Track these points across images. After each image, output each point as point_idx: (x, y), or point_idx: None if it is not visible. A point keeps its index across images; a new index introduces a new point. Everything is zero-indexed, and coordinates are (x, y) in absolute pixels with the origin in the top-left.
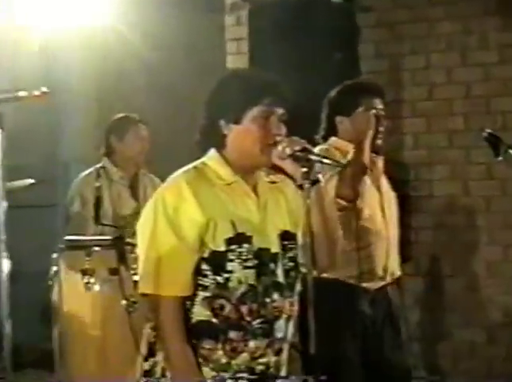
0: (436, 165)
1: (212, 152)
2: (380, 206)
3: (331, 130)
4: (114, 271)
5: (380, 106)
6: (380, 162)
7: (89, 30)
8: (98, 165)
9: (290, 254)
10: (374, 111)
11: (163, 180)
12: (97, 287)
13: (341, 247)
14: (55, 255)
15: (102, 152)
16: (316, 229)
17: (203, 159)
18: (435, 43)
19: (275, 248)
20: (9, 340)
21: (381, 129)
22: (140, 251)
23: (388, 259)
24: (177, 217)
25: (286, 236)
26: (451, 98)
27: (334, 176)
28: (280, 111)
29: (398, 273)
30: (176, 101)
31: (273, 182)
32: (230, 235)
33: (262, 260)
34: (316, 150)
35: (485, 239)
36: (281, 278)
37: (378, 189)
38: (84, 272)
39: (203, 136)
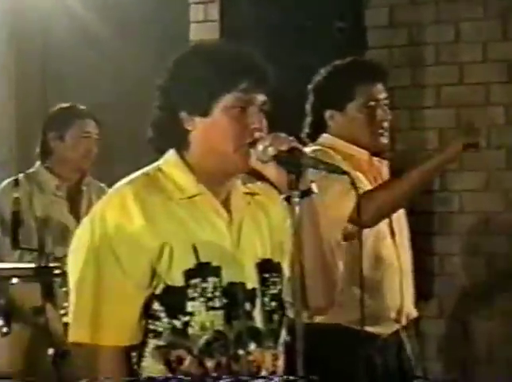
0: (468, 170)
1: (170, 154)
2: (389, 228)
3: (320, 126)
4: (38, 311)
5: (382, 94)
6: (385, 168)
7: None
8: (24, 172)
9: (273, 290)
10: (373, 102)
11: None
12: (15, 331)
13: (342, 282)
14: None
15: (38, 153)
16: (309, 258)
17: (158, 163)
18: (467, 8)
19: (252, 283)
20: None
21: (385, 124)
22: (72, 286)
23: (402, 296)
24: (121, 242)
25: (267, 267)
26: (488, 82)
27: (349, 190)
28: (260, 98)
29: (415, 314)
30: (130, 87)
31: (252, 194)
32: (191, 265)
33: (235, 299)
34: (308, 150)
35: None
36: (259, 322)
37: None
38: None
39: (158, 132)
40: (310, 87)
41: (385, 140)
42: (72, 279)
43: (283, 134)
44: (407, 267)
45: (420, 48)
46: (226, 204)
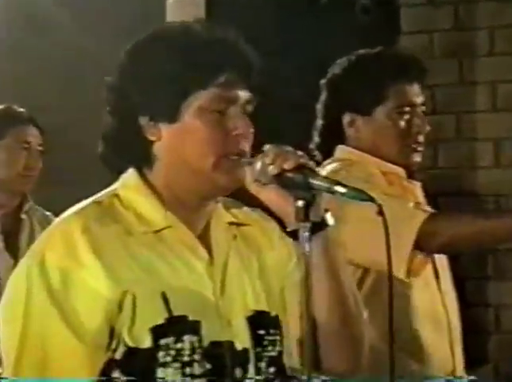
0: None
1: (129, 174)
2: (433, 270)
3: (334, 134)
4: None
5: (419, 98)
6: (419, 192)
7: None
8: None
9: (271, 352)
10: (407, 107)
11: None
12: None
13: (369, 340)
14: None
15: None
16: (325, 310)
17: (115, 187)
18: None
19: (242, 342)
20: None
21: (420, 138)
22: (4, 350)
23: (454, 359)
24: (67, 293)
25: (262, 322)
26: None
27: (376, 222)
28: (244, 96)
29: (465, 380)
30: (86, 86)
31: (239, 224)
32: (161, 320)
33: (220, 363)
34: (326, 168)
35: None
36: None
37: None
38: None
39: (112, 146)
40: (324, 82)
41: (418, 157)
42: (6, 343)
43: (288, 148)
44: (455, 320)
45: (471, 33)
46: (204, 238)
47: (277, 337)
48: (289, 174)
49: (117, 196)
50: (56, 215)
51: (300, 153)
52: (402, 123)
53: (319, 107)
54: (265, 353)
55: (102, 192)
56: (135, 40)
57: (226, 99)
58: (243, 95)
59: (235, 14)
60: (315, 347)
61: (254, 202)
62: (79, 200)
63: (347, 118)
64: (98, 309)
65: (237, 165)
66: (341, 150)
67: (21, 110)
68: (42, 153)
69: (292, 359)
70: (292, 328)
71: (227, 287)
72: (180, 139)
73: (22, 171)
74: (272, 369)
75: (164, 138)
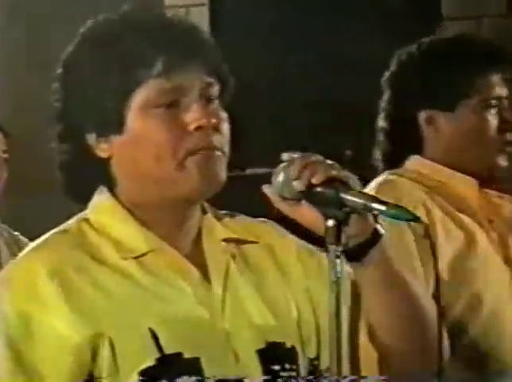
0: None
1: (101, 195)
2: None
3: (407, 139)
4: None
5: (504, 90)
6: (508, 207)
7: None
8: None
9: None
10: (494, 101)
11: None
12: None
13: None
14: None
15: None
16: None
17: (85, 212)
18: None
19: (253, 380)
20: None
21: (508, 136)
22: None
23: None
24: (28, 341)
25: (277, 354)
26: None
27: (420, 242)
28: (198, 80)
29: None
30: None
31: (239, 241)
32: (151, 361)
33: None
34: (372, 185)
35: None
36: None
37: (506, 257)
38: None
39: (71, 176)
40: (386, 78)
41: (504, 161)
42: None
43: (316, 156)
44: None
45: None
46: (195, 257)
47: (293, 373)
48: (319, 189)
49: (87, 220)
50: (24, 233)
51: (330, 162)
52: (490, 119)
53: (382, 107)
54: None
55: (73, 219)
56: (71, 47)
57: (171, 89)
58: (197, 79)
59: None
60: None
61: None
62: (49, 213)
63: (423, 115)
64: (65, 359)
65: (208, 158)
66: (412, 161)
67: None
68: (7, 161)
69: None
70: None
71: (229, 314)
72: (133, 148)
73: None
74: None
75: (115, 152)
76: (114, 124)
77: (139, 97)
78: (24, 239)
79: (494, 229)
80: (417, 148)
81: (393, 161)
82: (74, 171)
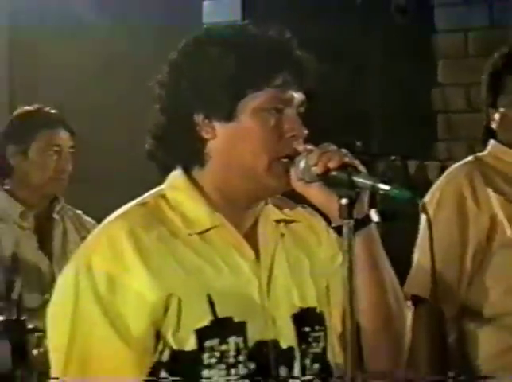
0: None
1: (176, 174)
2: None
3: (489, 132)
4: (7, 378)
5: None
6: None
7: None
8: None
9: (315, 349)
10: None
11: (100, 221)
12: None
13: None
14: None
15: None
16: (367, 308)
17: (162, 188)
18: None
19: (287, 341)
20: None
21: None
22: (52, 348)
23: None
24: (114, 298)
25: (308, 318)
26: None
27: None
28: (299, 97)
29: None
30: (122, 86)
31: (287, 221)
32: (206, 322)
33: (265, 363)
34: (457, 165)
35: None
36: None
37: None
38: None
39: (163, 143)
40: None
41: None
42: (54, 347)
43: (332, 146)
44: None
45: (508, 30)
46: (251, 237)
47: (322, 334)
48: (334, 173)
49: (163, 197)
50: (93, 215)
51: (344, 151)
52: None
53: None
54: (310, 350)
55: (149, 193)
56: (188, 39)
57: (282, 100)
58: (298, 96)
59: (271, 15)
60: (357, 345)
61: (299, 198)
62: (118, 201)
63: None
64: (143, 314)
65: (288, 168)
66: (490, 145)
67: (53, 111)
68: (72, 156)
69: (336, 355)
70: (335, 324)
71: (273, 286)
72: (235, 139)
73: (53, 174)
74: (316, 366)
75: (218, 136)
76: (224, 114)
77: (256, 100)
78: (84, 216)
79: None
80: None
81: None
82: (168, 141)
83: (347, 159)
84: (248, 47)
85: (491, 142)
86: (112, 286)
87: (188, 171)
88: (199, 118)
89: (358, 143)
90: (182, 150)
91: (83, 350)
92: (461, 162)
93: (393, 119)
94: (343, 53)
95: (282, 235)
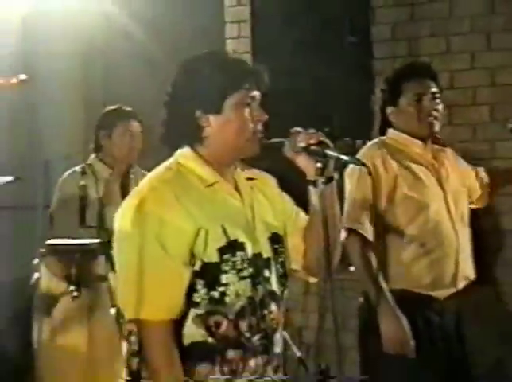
0: None
1: (186, 149)
2: (445, 204)
3: (386, 123)
4: (102, 278)
5: (432, 88)
6: (443, 154)
7: (74, 13)
8: (85, 163)
9: (281, 258)
10: (415, 96)
11: None
12: (83, 295)
13: (411, 253)
14: (36, 261)
15: (92, 148)
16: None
17: (176, 158)
18: (456, 24)
19: (267, 253)
20: None
21: (435, 113)
22: (120, 271)
23: (458, 265)
24: (164, 229)
25: (276, 239)
26: (475, 86)
27: (366, 177)
28: (259, 95)
29: (472, 278)
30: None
31: (251, 179)
32: (223, 243)
33: (257, 268)
34: (369, 144)
35: None
36: (274, 285)
37: (441, 185)
38: (69, 279)
39: (174, 130)
40: (376, 91)
41: (435, 127)
42: (120, 266)
43: (313, 130)
44: (463, 236)
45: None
46: (236, 188)
47: (283, 249)
48: (313, 147)
49: (180, 163)
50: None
51: (320, 133)
52: (414, 110)
53: (376, 107)
54: (279, 259)
55: (167, 162)
56: (189, 58)
57: (250, 97)
58: (258, 95)
59: (269, 52)
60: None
61: (251, 163)
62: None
63: (388, 111)
64: (184, 239)
65: (256, 140)
66: (388, 132)
67: (129, 108)
68: (141, 142)
69: (290, 262)
70: (296, 243)
71: (256, 219)
72: (224, 125)
73: (127, 150)
74: (282, 270)
75: (211, 124)
76: (216, 109)
77: (234, 98)
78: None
79: (434, 169)
80: (389, 125)
81: (383, 133)
82: (178, 128)
83: (321, 138)
84: (228, 64)
85: (390, 130)
86: (162, 222)
87: (192, 148)
88: (199, 113)
89: (327, 129)
90: (188, 134)
91: (142, 271)
92: (372, 142)
93: (348, 114)
94: (317, 75)
95: (251, 187)
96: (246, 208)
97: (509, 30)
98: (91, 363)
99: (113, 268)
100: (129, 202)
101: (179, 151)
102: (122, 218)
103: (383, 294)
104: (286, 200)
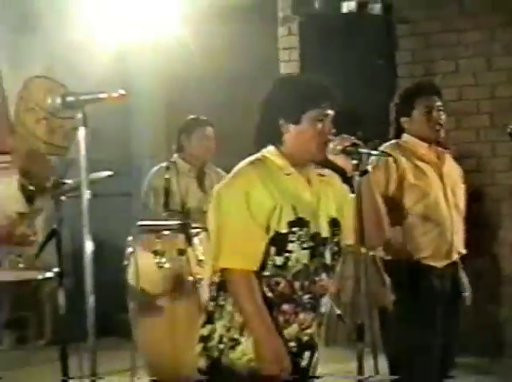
0: (464, 158)
1: (271, 147)
2: (443, 195)
3: (400, 130)
4: (181, 252)
5: (437, 103)
6: (443, 155)
7: (159, 42)
8: (169, 160)
9: (336, 239)
10: (426, 109)
11: (228, 172)
12: (167, 266)
13: (417, 231)
14: (130, 238)
15: (174, 148)
16: (368, 213)
17: (263, 153)
18: (463, 50)
19: (325, 233)
20: (92, 312)
21: (440, 122)
22: (217, 231)
23: (452, 241)
24: (251, 202)
25: (334, 223)
26: (478, 98)
27: (392, 166)
28: (331, 113)
29: (463, 252)
30: (235, 103)
31: (321, 175)
32: (293, 218)
33: (316, 243)
34: (386, 144)
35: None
36: (328, 260)
37: (441, 180)
38: (156, 253)
39: (262, 133)
40: (391, 105)
41: (439, 133)
42: (221, 225)
43: (347, 135)
44: (457, 220)
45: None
46: (308, 181)
47: (339, 231)
48: (348, 148)
49: (265, 157)
50: (227, 172)
51: (352, 137)
52: (426, 119)
53: (391, 117)
54: (334, 239)
55: (257, 155)
56: (280, 77)
57: (324, 115)
58: (331, 113)
59: (313, 73)
60: (362, 234)
61: (327, 165)
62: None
63: (402, 120)
64: (264, 211)
65: (325, 148)
66: (403, 136)
67: (204, 117)
68: (214, 144)
69: (344, 239)
70: (348, 224)
71: (320, 205)
72: (300, 134)
73: (203, 151)
74: (335, 248)
75: (291, 132)
76: (296, 120)
77: (311, 114)
78: (220, 171)
79: (436, 165)
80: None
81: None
82: (265, 133)
83: (355, 141)
84: (308, 85)
85: (404, 134)
86: (249, 197)
87: (275, 147)
88: (282, 121)
89: (359, 133)
90: (273, 138)
91: (236, 231)
92: (388, 143)
93: (377, 121)
94: (353, 87)
95: (320, 181)
96: (313, 197)
97: (506, 54)
98: (174, 316)
99: (190, 244)
100: (229, 180)
101: (266, 149)
102: (222, 191)
103: None
104: (346, 193)
